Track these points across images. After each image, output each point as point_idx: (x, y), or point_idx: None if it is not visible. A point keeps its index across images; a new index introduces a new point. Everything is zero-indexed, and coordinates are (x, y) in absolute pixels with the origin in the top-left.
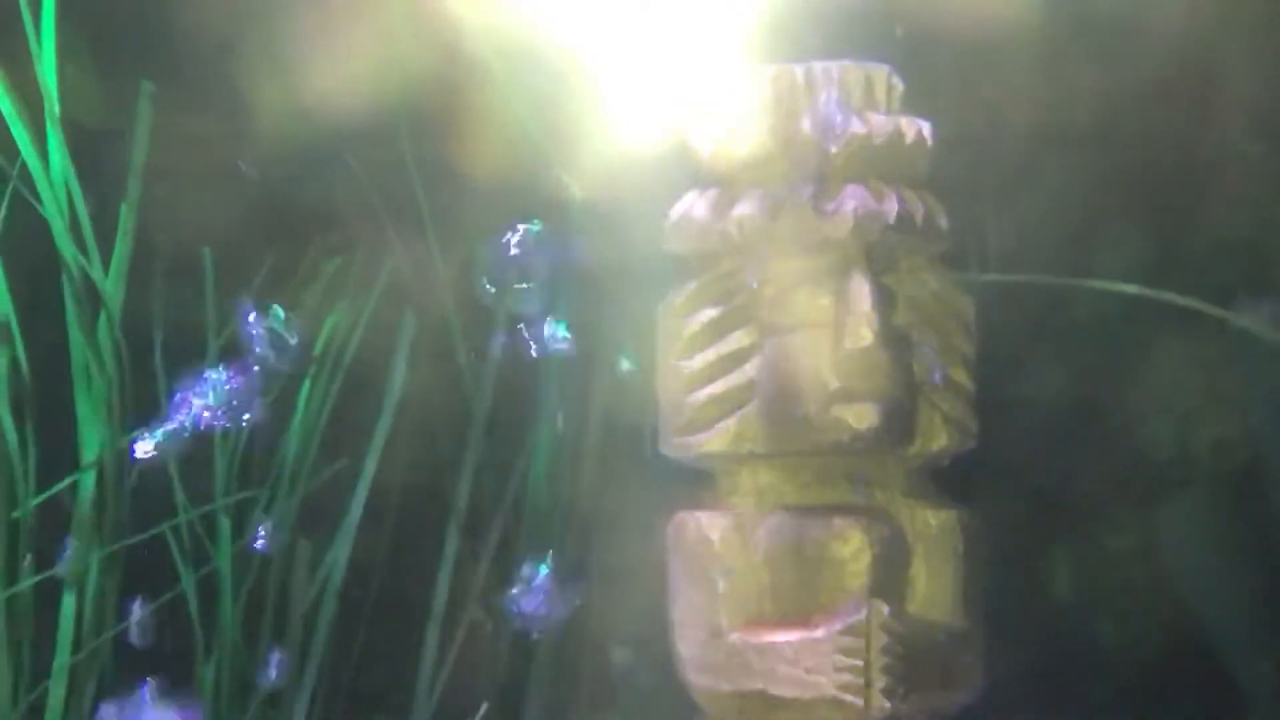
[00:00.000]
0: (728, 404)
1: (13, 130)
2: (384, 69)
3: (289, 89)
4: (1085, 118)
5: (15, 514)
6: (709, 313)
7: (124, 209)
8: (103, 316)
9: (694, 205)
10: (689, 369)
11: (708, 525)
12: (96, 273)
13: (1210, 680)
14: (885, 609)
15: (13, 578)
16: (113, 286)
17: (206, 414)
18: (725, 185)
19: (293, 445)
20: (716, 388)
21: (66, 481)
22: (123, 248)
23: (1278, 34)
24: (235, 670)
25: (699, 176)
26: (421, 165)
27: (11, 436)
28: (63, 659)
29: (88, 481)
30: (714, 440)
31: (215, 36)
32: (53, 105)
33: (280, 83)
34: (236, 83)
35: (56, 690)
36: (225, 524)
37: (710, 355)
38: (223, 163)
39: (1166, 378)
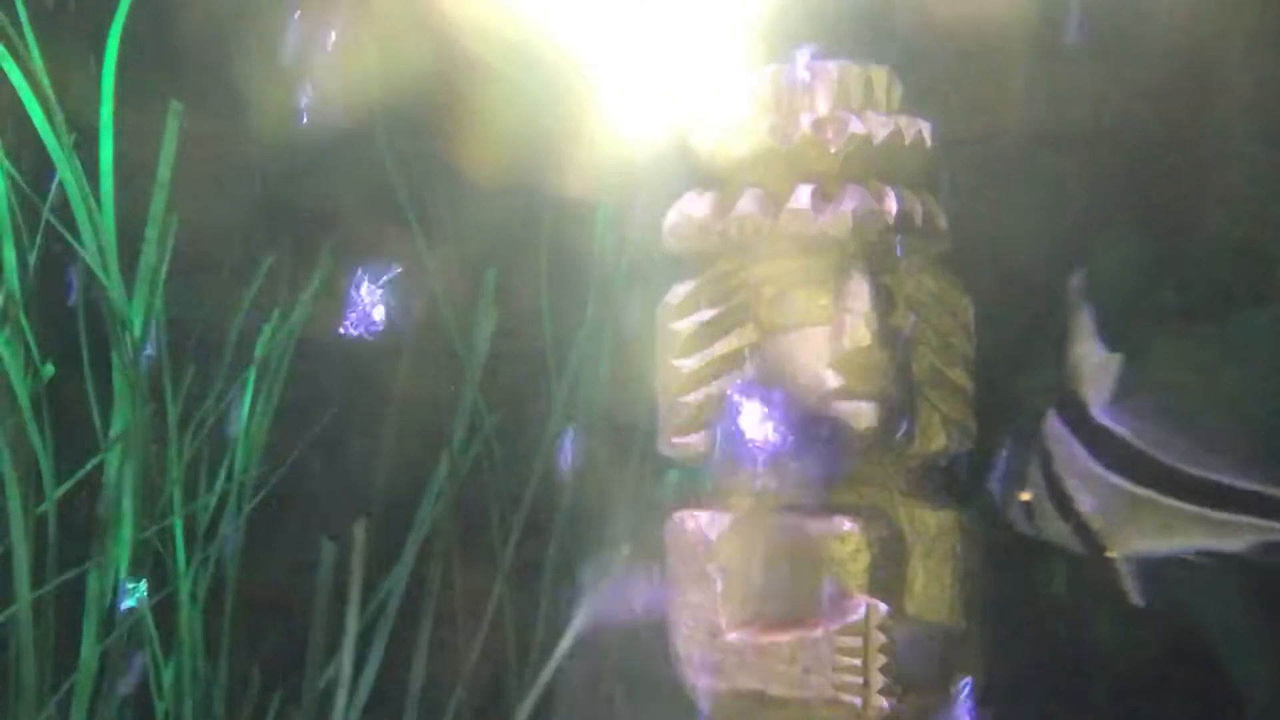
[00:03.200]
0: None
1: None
2: (383, 67)
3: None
4: (1084, 117)
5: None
6: (707, 312)
7: (150, 227)
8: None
9: (693, 205)
10: (687, 369)
11: (706, 524)
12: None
13: (1207, 681)
14: (883, 609)
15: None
16: (140, 300)
17: None
18: (725, 185)
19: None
20: (715, 387)
21: (90, 465)
22: (149, 258)
23: (1278, 33)
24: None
25: (699, 176)
26: (420, 164)
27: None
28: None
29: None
30: (713, 440)
31: (216, 35)
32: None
33: (279, 81)
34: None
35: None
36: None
37: (709, 355)
38: (223, 161)
39: (1165, 378)
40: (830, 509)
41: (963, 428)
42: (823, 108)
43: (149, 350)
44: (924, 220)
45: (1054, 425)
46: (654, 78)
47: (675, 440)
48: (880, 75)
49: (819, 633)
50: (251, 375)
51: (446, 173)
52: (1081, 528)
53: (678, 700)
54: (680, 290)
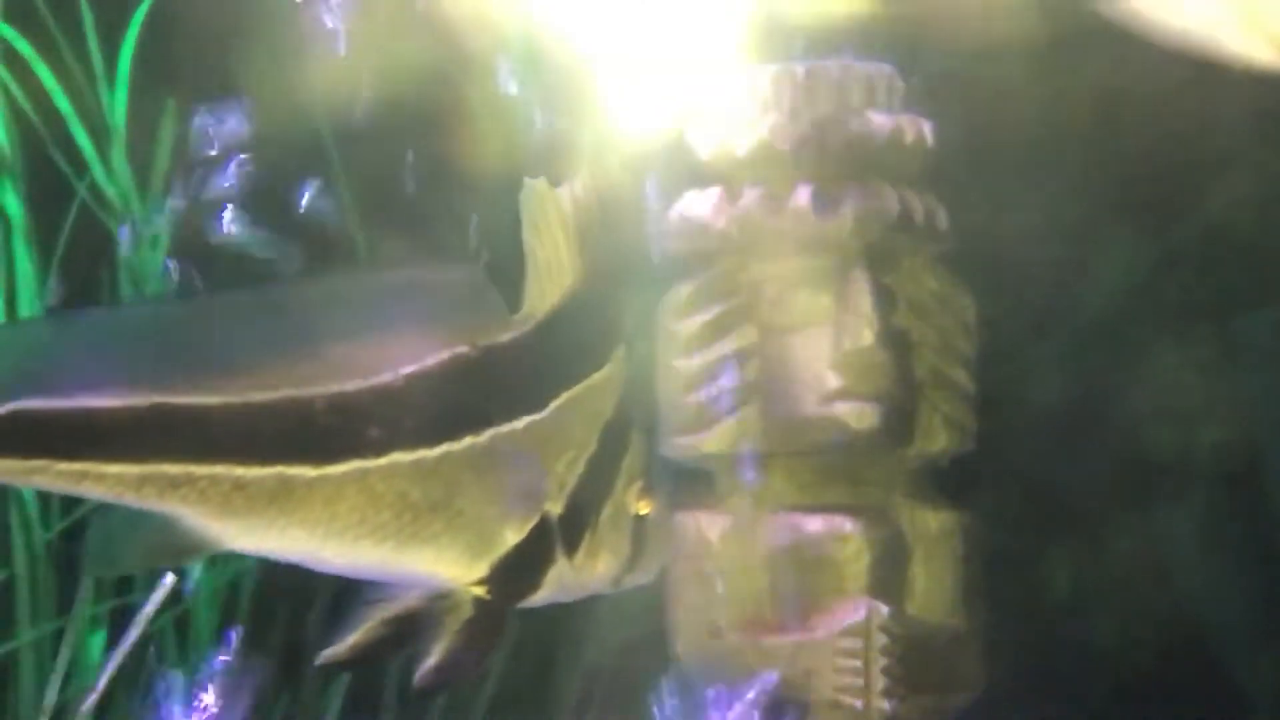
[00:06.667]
0: (727, 404)
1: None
2: (382, 65)
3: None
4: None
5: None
6: (708, 312)
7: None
8: None
9: (694, 204)
10: (688, 369)
11: (707, 525)
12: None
13: (1211, 681)
14: (884, 610)
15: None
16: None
17: None
18: (725, 184)
19: None
20: (716, 388)
21: None
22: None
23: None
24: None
25: (699, 176)
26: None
27: None
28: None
29: None
30: (713, 440)
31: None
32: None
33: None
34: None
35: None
36: None
37: (710, 355)
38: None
39: (1167, 379)
40: (830, 509)
41: (963, 428)
42: (823, 108)
43: None
44: (924, 220)
45: None
46: (654, 77)
47: (676, 441)
48: (880, 75)
49: (820, 634)
50: None
51: (443, 170)
52: None
53: None
54: (681, 290)
